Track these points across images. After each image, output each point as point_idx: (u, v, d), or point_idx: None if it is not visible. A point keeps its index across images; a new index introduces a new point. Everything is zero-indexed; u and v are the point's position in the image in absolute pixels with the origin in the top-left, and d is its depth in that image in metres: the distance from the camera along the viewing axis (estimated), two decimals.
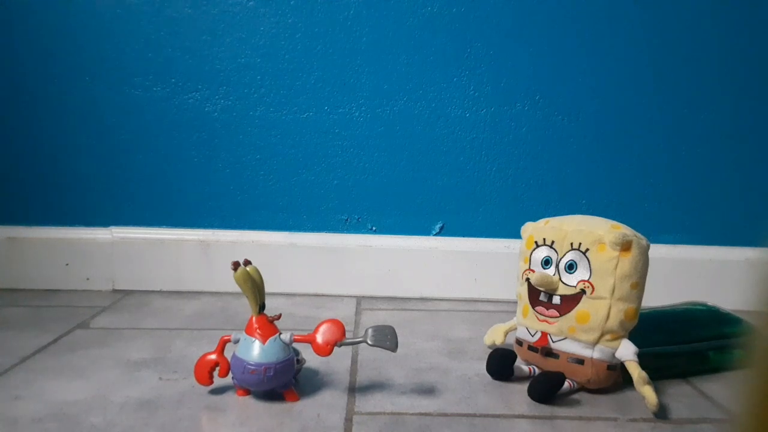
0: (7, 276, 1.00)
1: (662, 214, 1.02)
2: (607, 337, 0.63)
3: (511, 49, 0.98)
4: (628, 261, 0.62)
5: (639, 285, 0.63)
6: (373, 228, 1.03)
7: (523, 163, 1.01)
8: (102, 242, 1.01)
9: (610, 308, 0.62)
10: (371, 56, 0.98)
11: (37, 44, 0.97)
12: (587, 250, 0.64)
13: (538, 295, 0.67)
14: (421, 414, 0.59)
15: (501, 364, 0.67)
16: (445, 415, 0.59)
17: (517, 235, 0.74)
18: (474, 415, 0.59)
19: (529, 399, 0.63)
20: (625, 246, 0.62)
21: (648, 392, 0.59)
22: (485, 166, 1.01)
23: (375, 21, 0.97)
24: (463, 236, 1.02)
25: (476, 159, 1.01)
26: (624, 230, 0.64)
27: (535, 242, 0.68)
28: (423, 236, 1.03)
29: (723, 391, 0.67)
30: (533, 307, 0.67)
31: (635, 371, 0.61)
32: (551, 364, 0.66)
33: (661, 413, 0.61)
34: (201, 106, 0.99)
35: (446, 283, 1.02)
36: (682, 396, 0.66)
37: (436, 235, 1.03)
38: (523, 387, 0.65)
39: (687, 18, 0.97)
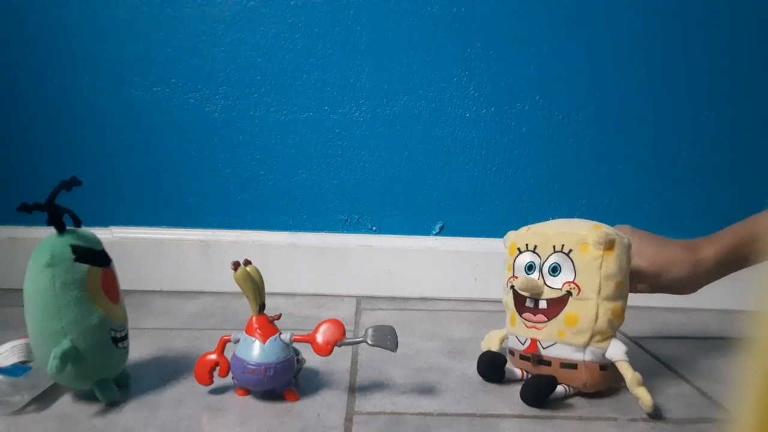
0: (7, 276, 1.00)
1: (662, 214, 1.02)
2: (597, 338, 0.62)
3: (511, 48, 0.98)
4: (611, 260, 0.62)
5: (623, 284, 0.63)
6: (373, 228, 1.03)
7: (523, 163, 1.01)
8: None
9: (598, 308, 0.62)
10: (371, 56, 0.98)
11: (38, 44, 0.97)
12: (570, 251, 0.63)
13: (524, 302, 0.66)
14: (421, 414, 0.59)
15: (490, 367, 0.67)
16: (445, 415, 0.59)
17: None
18: (474, 415, 0.59)
19: None
20: (608, 245, 0.62)
21: (642, 393, 0.59)
22: (485, 166, 1.01)
23: (375, 21, 0.97)
24: (463, 236, 1.02)
25: (476, 159, 1.01)
26: (606, 229, 0.64)
27: (518, 249, 0.68)
28: (423, 236, 1.03)
29: (723, 391, 0.67)
30: (520, 315, 0.66)
31: (628, 373, 0.60)
32: (544, 372, 0.65)
33: (660, 413, 0.61)
34: (201, 106, 0.99)
35: (446, 283, 1.02)
36: (681, 396, 0.66)
37: (436, 235, 1.03)
38: None
39: (687, 17, 0.97)
